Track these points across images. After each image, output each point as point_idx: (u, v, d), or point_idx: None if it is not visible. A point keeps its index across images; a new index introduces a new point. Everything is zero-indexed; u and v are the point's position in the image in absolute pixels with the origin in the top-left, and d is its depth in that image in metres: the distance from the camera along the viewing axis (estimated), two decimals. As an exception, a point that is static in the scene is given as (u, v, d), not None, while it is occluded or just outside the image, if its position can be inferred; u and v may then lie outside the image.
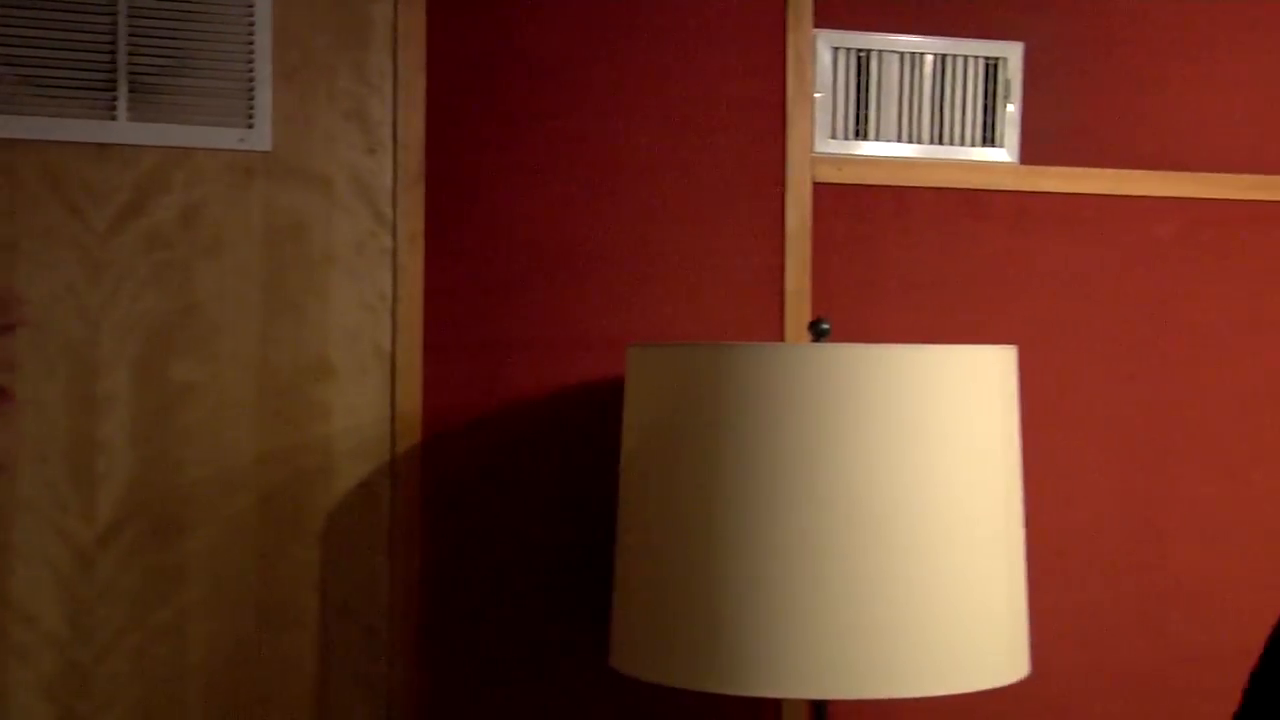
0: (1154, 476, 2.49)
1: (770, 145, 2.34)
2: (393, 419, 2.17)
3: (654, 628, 1.90)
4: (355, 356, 2.16)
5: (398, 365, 2.17)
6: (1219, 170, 2.51)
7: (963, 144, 2.43)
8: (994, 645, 1.88)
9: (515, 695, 2.24)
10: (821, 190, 2.36)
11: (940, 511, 1.84)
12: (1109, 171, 2.47)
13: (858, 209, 2.38)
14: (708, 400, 1.85)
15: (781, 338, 2.32)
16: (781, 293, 2.33)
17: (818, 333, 2.02)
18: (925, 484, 1.83)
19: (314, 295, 2.15)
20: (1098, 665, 2.44)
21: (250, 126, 2.12)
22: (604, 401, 2.24)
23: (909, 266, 2.39)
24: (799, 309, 2.33)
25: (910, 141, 2.41)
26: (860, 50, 2.38)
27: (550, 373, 2.24)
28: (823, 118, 2.36)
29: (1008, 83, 2.43)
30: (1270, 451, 2.52)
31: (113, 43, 2.06)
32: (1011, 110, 2.43)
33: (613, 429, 2.22)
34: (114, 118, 2.07)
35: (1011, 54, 2.43)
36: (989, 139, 2.43)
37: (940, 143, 2.42)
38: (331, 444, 2.15)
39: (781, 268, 2.33)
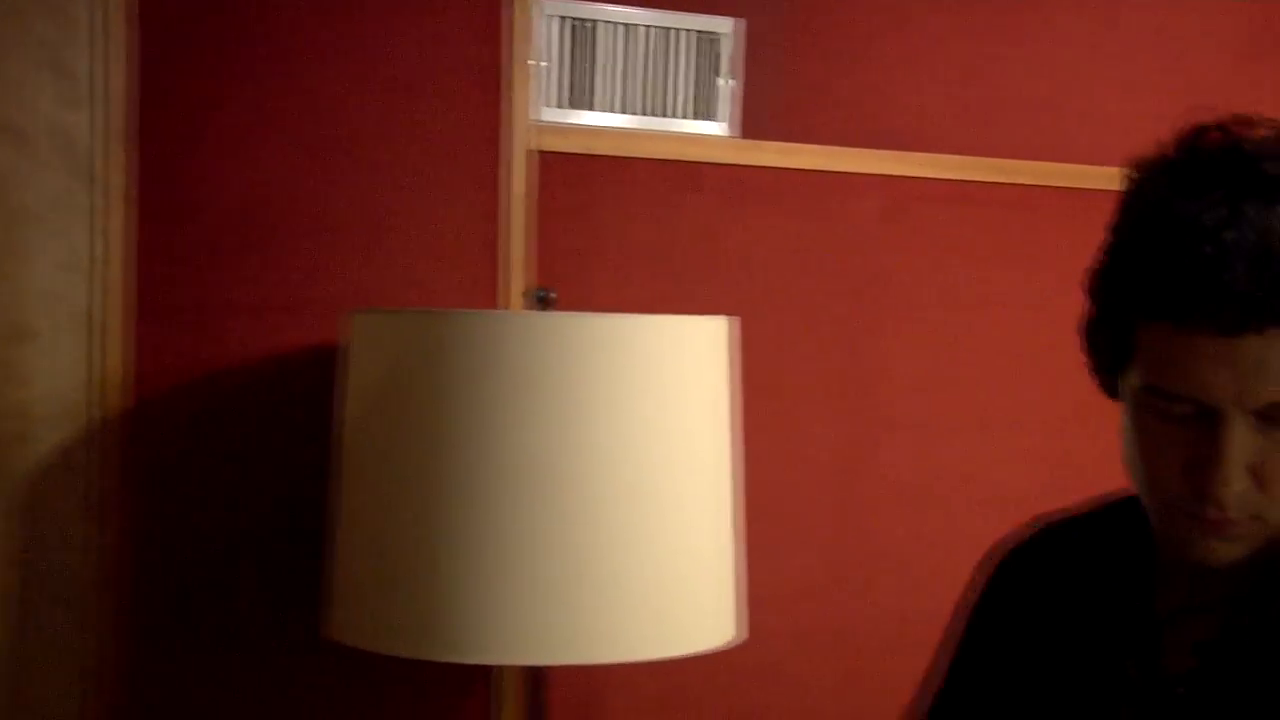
0: (863, 446, 2.57)
1: (490, 112, 2.33)
2: (96, 384, 2.07)
3: (369, 597, 1.88)
4: (56, 319, 2.05)
5: (103, 329, 2.07)
6: (924, 149, 2.60)
7: (680, 116, 2.45)
8: (709, 610, 1.92)
9: (226, 668, 2.18)
10: (541, 159, 2.36)
11: (658, 480, 1.86)
12: (821, 147, 2.53)
13: (578, 178, 2.38)
14: (428, 368, 1.83)
15: (503, 305, 2.31)
16: (502, 261, 2.32)
17: (540, 301, 2.02)
18: (646, 452, 1.85)
19: (10, 255, 2.03)
20: (809, 628, 2.52)
21: (-65, 75, 1.99)
22: (321, 368, 2.18)
23: (630, 237, 2.41)
24: (519, 277, 2.32)
25: (629, 113, 2.42)
26: (579, 20, 2.38)
27: (266, 338, 2.18)
28: (543, 86, 2.36)
29: (724, 57, 2.46)
30: (970, 422, 2.63)
31: None
32: (728, 85, 2.47)
33: (330, 396, 2.18)
34: None
35: (728, 29, 2.47)
36: (706, 112, 2.47)
37: (658, 114, 2.44)
38: (30, 410, 2.04)
39: (500, 235, 2.32)
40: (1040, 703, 1.29)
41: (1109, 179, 2.67)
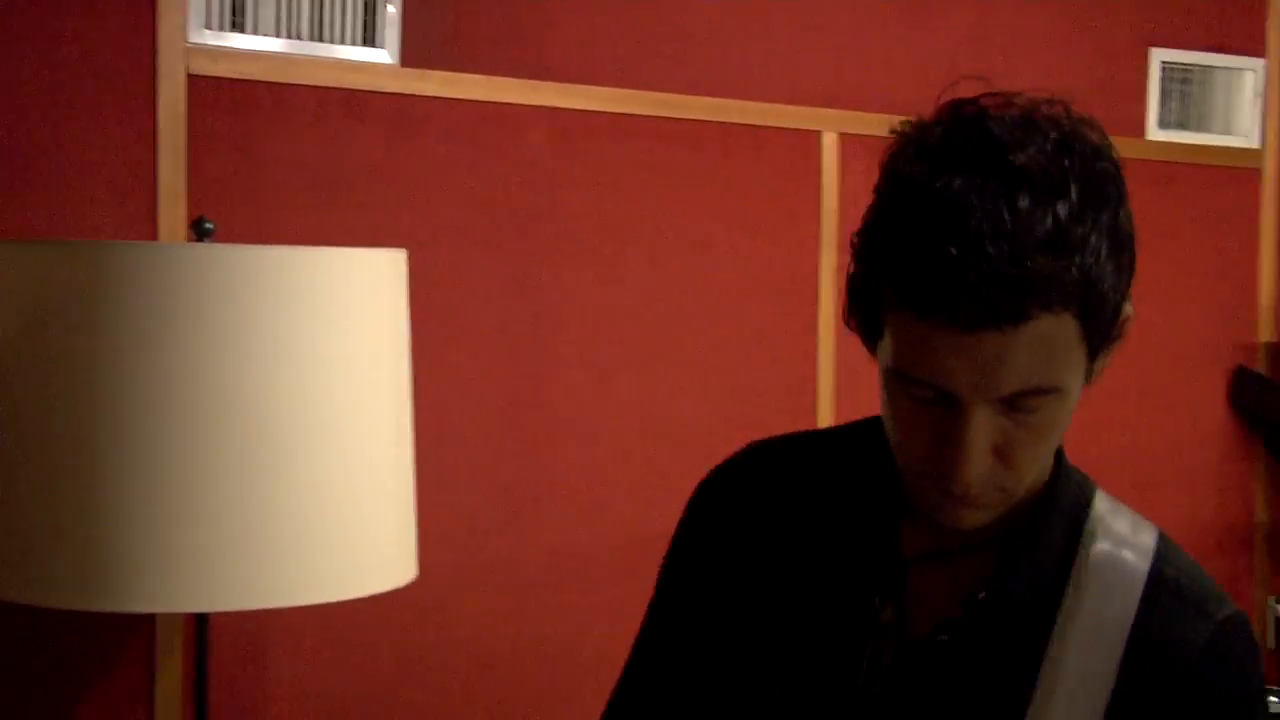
0: (533, 380, 2.57)
1: (141, 34, 2.20)
2: None
3: (19, 546, 1.76)
4: None
5: None
6: (590, 82, 2.60)
7: (343, 42, 2.38)
8: (382, 550, 1.88)
9: None
10: (197, 83, 2.25)
11: (327, 418, 1.80)
12: (486, 78, 2.50)
13: (236, 105, 2.28)
14: (78, 304, 1.72)
15: (156, 236, 2.20)
16: (155, 189, 2.20)
17: (200, 232, 1.93)
18: (313, 390, 1.79)
19: None
20: (479, 564, 2.51)
21: None
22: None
23: (292, 167, 2.33)
24: (175, 207, 2.21)
25: (290, 37, 2.33)
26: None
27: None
28: (197, 7, 2.24)
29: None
30: (638, 356, 2.66)
31: None
32: (392, 11, 2.40)
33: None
34: None
35: (393, -46, 2.40)
36: (369, 39, 2.40)
37: (320, 40, 2.35)
38: None
39: (155, 163, 2.20)
40: (764, 631, 1.28)
41: (774, 115, 2.77)
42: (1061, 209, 1.04)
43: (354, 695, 2.41)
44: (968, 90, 1.15)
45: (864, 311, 1.15)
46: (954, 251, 1.02)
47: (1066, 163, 1.06)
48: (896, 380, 1.11)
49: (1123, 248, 1.09)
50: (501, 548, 2.54)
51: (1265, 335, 3.39)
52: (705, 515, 1.37)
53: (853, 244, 1.16)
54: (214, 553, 1.73)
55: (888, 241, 1.08)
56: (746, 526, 1.33)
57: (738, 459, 1.39)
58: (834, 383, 2.81)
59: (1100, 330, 1.10)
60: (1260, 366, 3.39)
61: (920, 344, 1.07)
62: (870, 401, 1.28)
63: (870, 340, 1.17)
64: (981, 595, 1.19)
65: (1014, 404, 1.09)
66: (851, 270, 1.17)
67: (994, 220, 1.03)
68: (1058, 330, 1.06)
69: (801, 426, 1.44)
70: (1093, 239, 1.06)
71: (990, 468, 1.11)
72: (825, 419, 2.80)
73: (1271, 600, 3.35)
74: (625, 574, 2.57)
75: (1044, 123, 1.09)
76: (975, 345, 1.05)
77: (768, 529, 1.32)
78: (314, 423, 1.79)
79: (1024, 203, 1.03)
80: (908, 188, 1.07)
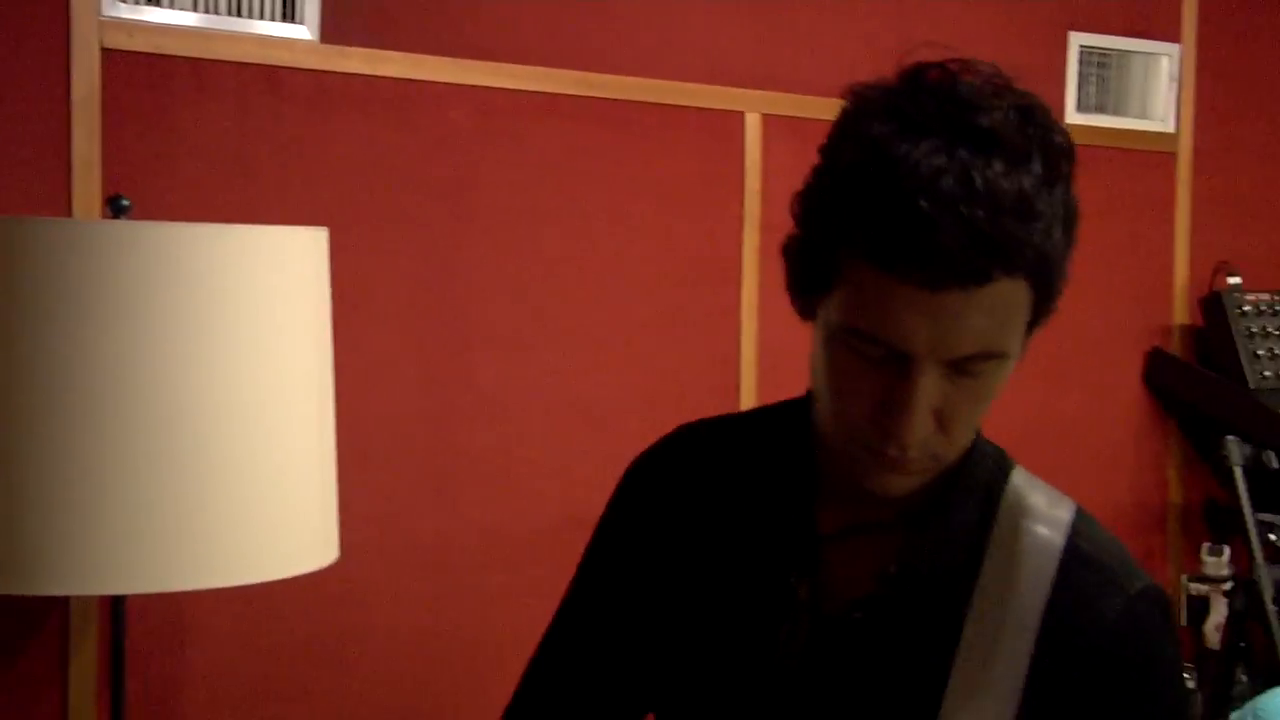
0: (453, 360, 2.55)
1: (54, 7, 2.16)
2: None
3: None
4: None
5: None
6: (514, 61, 2.58)
7: (262, 18, 2.35)
8: (302, 531, 1.87)
9: None
10: (111, 57, 2.21)
11: (246, 397, 1.78)
12: (408, 55, 2.48)
13: (152, 80, 2.25)
14: (-10, 280, 1.69)
15: (71, 214, 2.16)
16: (69, 165, 2.16)
17: (116, 209, 1.89)
18: (233, 370, 1.76)
19: None
20: (399, 544, 2.49)
21: None
22: None
23: (210, 144, 2.30)
24: (89, 183, 2.17)
25: (207, 12, 2.30)
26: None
27: None
28: (113, -22, 2.20)
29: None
30: (559, 334, 2.65)
31: None
32: (311, -14, 2.38)
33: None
34: None
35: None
36: (289, 14, 2.37)
37: (238, 15, 2.32)
38: None
39: (69, 139, 2.16)
40: (684, 611, 1.28)
41: (697, 95, 2.77)
42: (1027, 177, 1.05)
43: (273, 678, 2.39)
44: (924, 57, 1.15)
45: (811, 271, 1.15)
46: (926, 208, 1.03)
47: (1030, 131, 1.07)
48: (847, 338, 1.11)
49: (1071, 223, 1.11)
50: (423, 528, 2.52)
51: (1180, 318, 3.44)
52: (632, 498, 1.37)
53: (798, 204, 1.15)
54: (130, 534, 1.71)
55: (855, 197, 1.08)
56: (672, 509, 1.33)
57: (665, 442, 1.39)
58: (756, 361, 2.81)
59: (1046, 300, 1.12)
60: (1175, 348, 3.44)
61: (881, 301, 1.07)
62: (792, 381, 1.28)
63: (813, 301, 1.16)
64: (893, 570, 1.20)
65: (961, 367, 1.09)
66: (798, 229, 1.16)
67: (967, 181, 1.03)
68: (1013, 296, 1.08)
69: (723, 406, 1.45)
70: (1051, 210, 1.07)
71: (929, 431, 1.12)
72: (747, 398, 2.81)
73: (1185, 578, 3.41)
74: (547, 553, 2.56)
75: (1006, 90, 1.10)
76: (938, 304, 1.06)
77: (692, 511, 1.32)
78: (233, 402, 1.77)
79: (997, 166, 1.04)
80: (876, 145, 1.07)
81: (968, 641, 1.17)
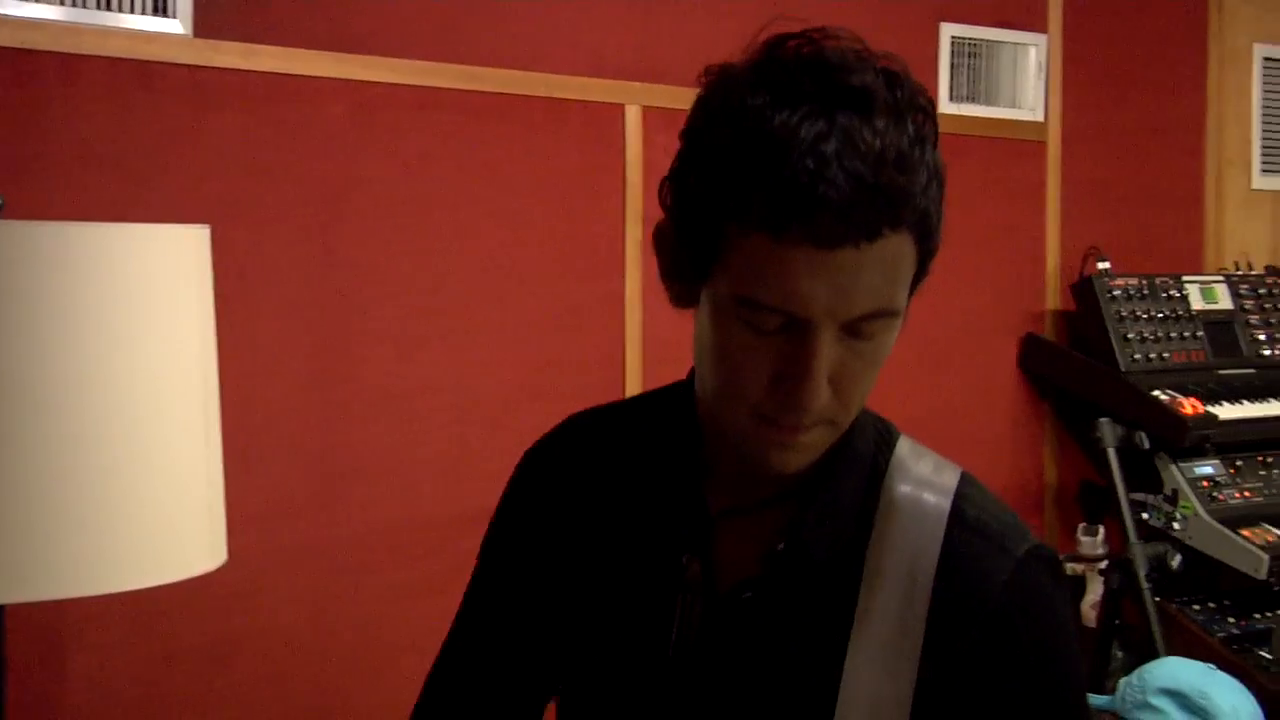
0: (339, 357, 2.53)
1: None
2: None
3: None
4: None
5: None
6: (392, 54, 2.56)
7: (132, 11, 2.30)
8: (189, 534, 1.83)
9: None
10: (-24, 52, 2.16)
11: (128, 399, 1.74)
12: (284, 49, 2.44)
13: (19, 76, 2.19)
14: None
15: (-61, 214, 2.10)
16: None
17: (-13, 209, 1.84)
18: (113, 371, 1.72)
19: None
20: (288, 545, 2.46)
21: None
22: None
23: (83, 141, 2.25)
24: (-43, 183, 2.12)
25: (75, 5, 2.24)
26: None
27: None
28: (-24, -28, 2.14)
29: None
30: (444, 329, 2.63)
31: None
32: (184, -20, 2.34)
33: None
34: None
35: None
36: (160, 8, 2.32)
37: (108, 9, 2.27)
38: None
39: (-63, 137, 2.11)
40: (580, 596, 1.29)
41: (578, 88, 2.77)
42: (904, 135, 1.07)
43: (161, 685, 2.34)
44: (784, 29, 1.16)
45: (690, 253, 1.15)
46: (814, 169, 1.04)
47: (899, 93, 1.09)
48: (739, 311, 1.11)
49: (942, 182, 1.13)
50: (312, 528, 2.50)
51: (1053, 303, 3.52)
52: (525, 489, 1.38)
53: (668, 190, 1.16)
54: (7, 540, 1.66)
55: (736, 170, 1.08)
56: (565, 497, 1.33)
57: (555, 433, 1.39)
58: (641, 353, 2.82)
59: (928, 255, 1.13)
60: (1049, 333, 3.51)
61: (774, 268, 1.07)
62: (677, 368, 1.29)
63: (694, 284, 1.16)
64: (780, 547, 1.21)
65: (855, 329, 1.10)
66: (672, 214, 1.16)
67: (849, 141, 1.05)
68: (901, 251, 1.09)
69: (611, 395, 1.45)
70: (927, 167, 1.09)
71: (826, 398, 1.12)
72: (634, 389, 2.82)
73: (1061, 558, 3.48)
74: (436, 550, 2.55)
75: (869, 55, 1.12)
76: (833, 263, 1.06)
77: (585, 498, 1.32)
78: (115, 404, 1.73)
79: (877, 124, 1.06)
80: (752, 118, 1.08)
81: (862, 612, 1.18)
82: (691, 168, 1.13)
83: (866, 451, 1.25)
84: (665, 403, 1.32)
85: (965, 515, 1.21)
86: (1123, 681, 2.52)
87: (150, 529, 1.76)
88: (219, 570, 1.91)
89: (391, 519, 2.57)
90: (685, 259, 1.15)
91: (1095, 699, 2.47)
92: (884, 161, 1.05)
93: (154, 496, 1.77)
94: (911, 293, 1.15)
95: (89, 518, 1.70)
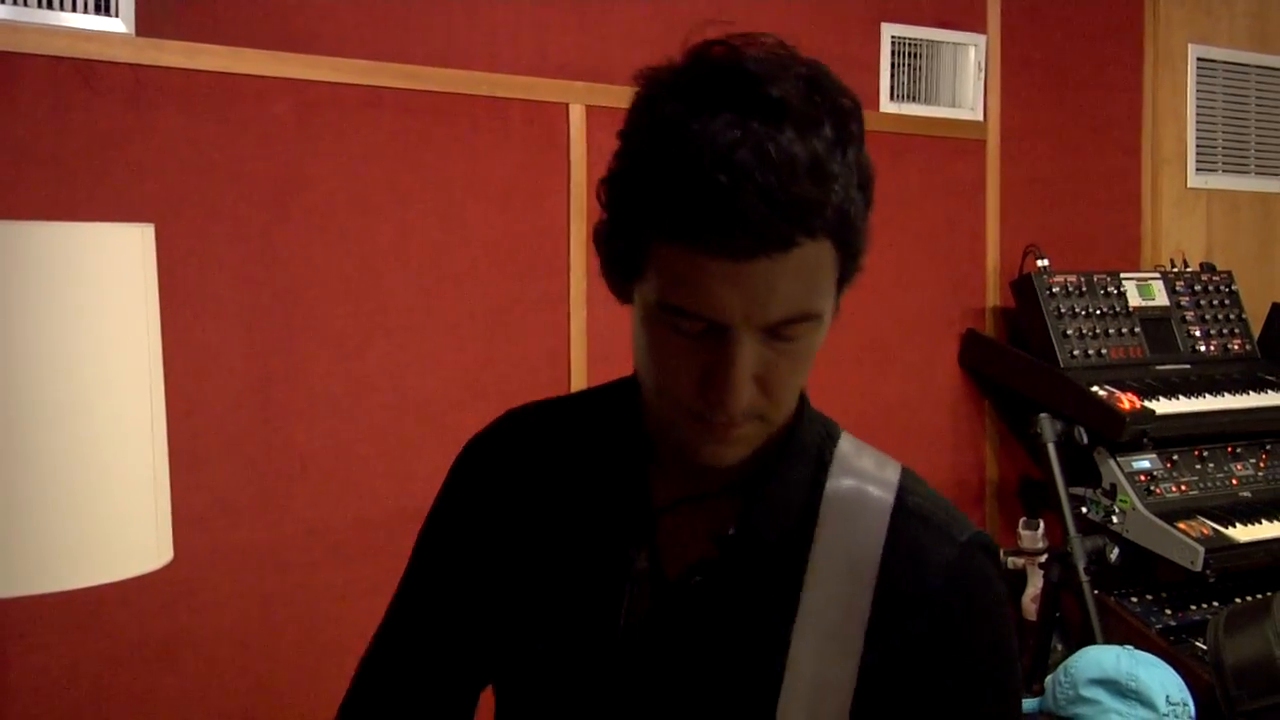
0: (282, 357, 2.52)
1: None
2: None
3: None
4: None
5: None
6: (335, 54, 2.56)
7: (74, 10, 2.29)
8: (133, 533, 1.83)
9: None
10: (-84, 51, 2.14)
11: (74, 399, 1.74)
12: (227, 49, 2.44)
13: (-41, 74, 2.18)
14: None
15: (-123, 214, 2.09)
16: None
17: (-73, 208, 1.83)
18: (56, 370, 1.72)
19: None
20: (232, 544, 2.46)
21: None
22: None
23: (24, 140, 2.24)
24: (-104, 182, 2.10)
25: (15, 3, 2.23)
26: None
27: None
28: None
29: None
30: (386, 329, 2.64)
31: None
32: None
33: None
34: None
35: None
36: (102, 6, 2.31)
37: (49, 7, 2.26)
38: None
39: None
40: (524, 589, 1.29)
41: (521, 88, 2.78)
42: (818, 142, 1.08)
43: (105, 684, 2.34)
44: (712, 35, 1.18)
45: (622, 255, 1.17)
46: (725, 181, 1.05)
47: (817, 98, 1.10)
48: (664, 316, 1.13)
49: (866, 182, 1.14)
50: (256, 527, 2.49)
51: (993, 300, 3.55)
52: (463, 482, 1.38)
53: (603, 190, 1.17)
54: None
55: (655, 179, 1.10)
56: (505, 491, 1.34)
57: (495, 426, 1.40)
58: (586, 351, 2.83)
59: (851, 259, 1.15)
60: (989, 330, 3.55)
61: (692, 276, 1.09)
62: (622, 368, 1.30)
63: (627, 284, 1.18)
64: (730, 532, 1.23)
65: (777, 333, 1.12)
66: (605, 215, 1.18)
67: (760, 151, 1.06)
68: (819, 258, 1.10)
69: (555, 394, 1.46)
70: (845, 171, 1.10)
71: (753, 396, 1.14)
72: (578, 387, 2.81)
73: (1002, 552, 3.52)
74: (381, 549, 2.56)
75: (790, 61, 1.13)
76: (747, 274, 1.08)
77: (526, 491, 1.33)
78: (58, 404, 1.72)
79: (788, 134, 1.07)
80: (670, 126, 1.09)
81: (807, 600, 1.21)
82: (619, 171, 1.15)
83: (812, 445, 1.27)
84: (611, 397, 1.33)
85: (909, 505, 1.25)
86: (1049, 680, 2.55)
87: (95, 527, 1.76)
88: (164, 569, 1.91)
89: (335, 518, 2.57)
90: (616, 259, 1.17)
91: (1026, 703, 2.50)
92: (796, 172, 1.06)
93: (99, 495, 1.76)
94: (841, 290, 1.17)
95: (33, 516, 1.70)
